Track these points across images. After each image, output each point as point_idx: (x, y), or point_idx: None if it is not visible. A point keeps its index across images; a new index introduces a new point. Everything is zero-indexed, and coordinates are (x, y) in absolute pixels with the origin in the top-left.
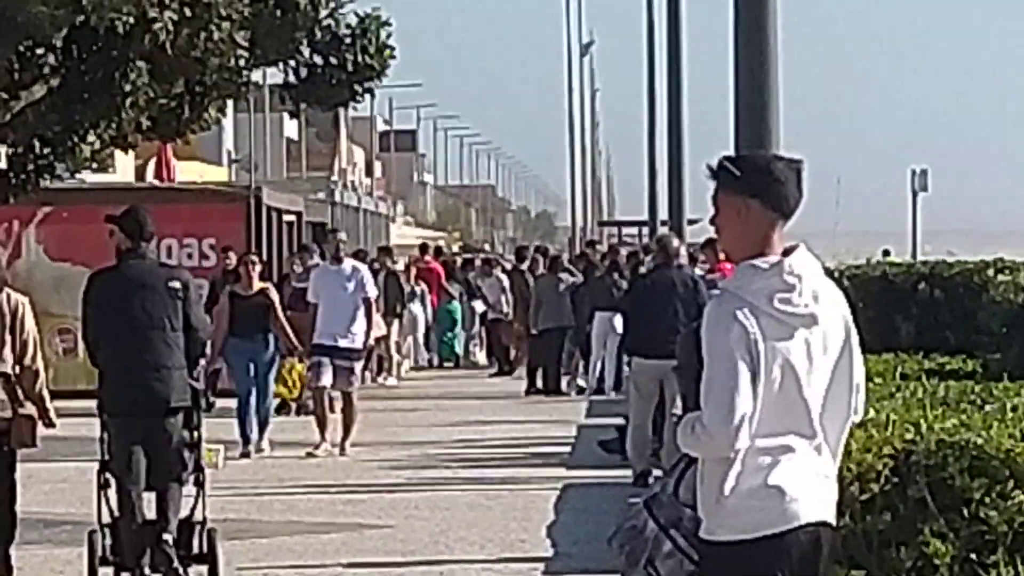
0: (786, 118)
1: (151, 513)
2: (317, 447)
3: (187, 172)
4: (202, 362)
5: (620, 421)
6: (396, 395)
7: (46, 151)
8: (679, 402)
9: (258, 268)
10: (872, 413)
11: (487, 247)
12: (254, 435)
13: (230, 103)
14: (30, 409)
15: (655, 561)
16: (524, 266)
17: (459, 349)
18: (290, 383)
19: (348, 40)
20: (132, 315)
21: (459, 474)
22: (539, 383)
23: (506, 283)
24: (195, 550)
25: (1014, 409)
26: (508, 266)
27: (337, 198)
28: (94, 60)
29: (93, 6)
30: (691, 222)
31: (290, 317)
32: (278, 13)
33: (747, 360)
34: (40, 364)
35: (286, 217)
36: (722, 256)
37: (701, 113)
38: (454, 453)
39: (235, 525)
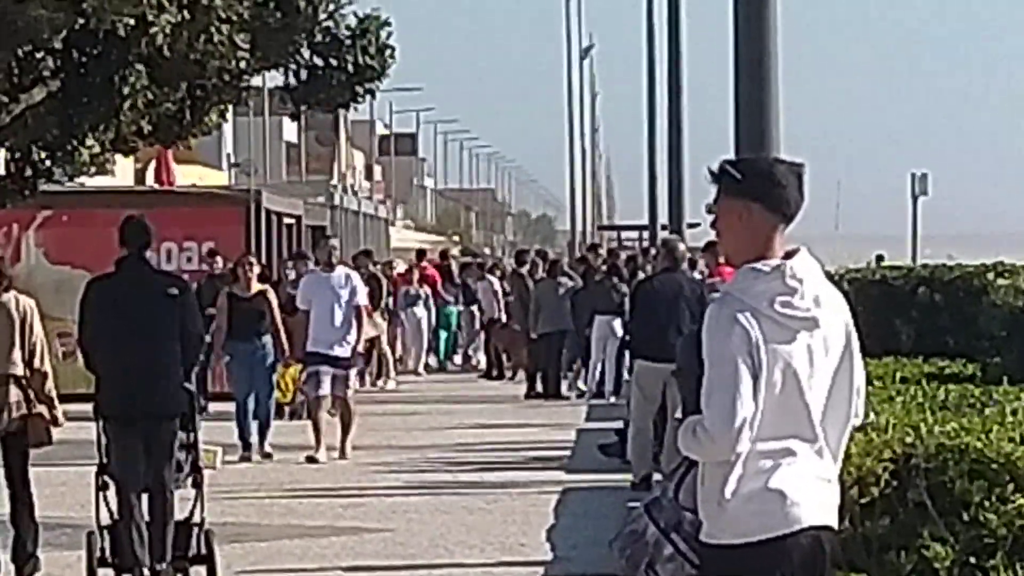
0: (786, 122)
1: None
2: (316, 452)
3: (187, 176)
4: (207, 359)
5: (620, 425)
6: (396, 399)
7: (45, 155)
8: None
9: (256, 270)
10: (872, 417)
11: (487, 251)
12: (254, 439)
13: (230, 107)
14: (41, 409)
15: (656, 565)
16: (524, 270)
17: (442, 353)
18: (283, 387)
19: (348, 41)
20: (129, 321)
21: (459, 478)
22: (539, 387)
23: (498, 287)
24: (193, 551)
25: (1014, 413)
26: (508, 269)
27: (337, 202)
28: (93, 63)
29: (93, 9)
30: (691, 226)
31: (283, 320)
32: (278, 15)
33: (748, 363)
34: (48, 366)
35: (286, 221)
36: (722, 260)
37: (701, 117)
38: (454, 457)
39: (235, 529)
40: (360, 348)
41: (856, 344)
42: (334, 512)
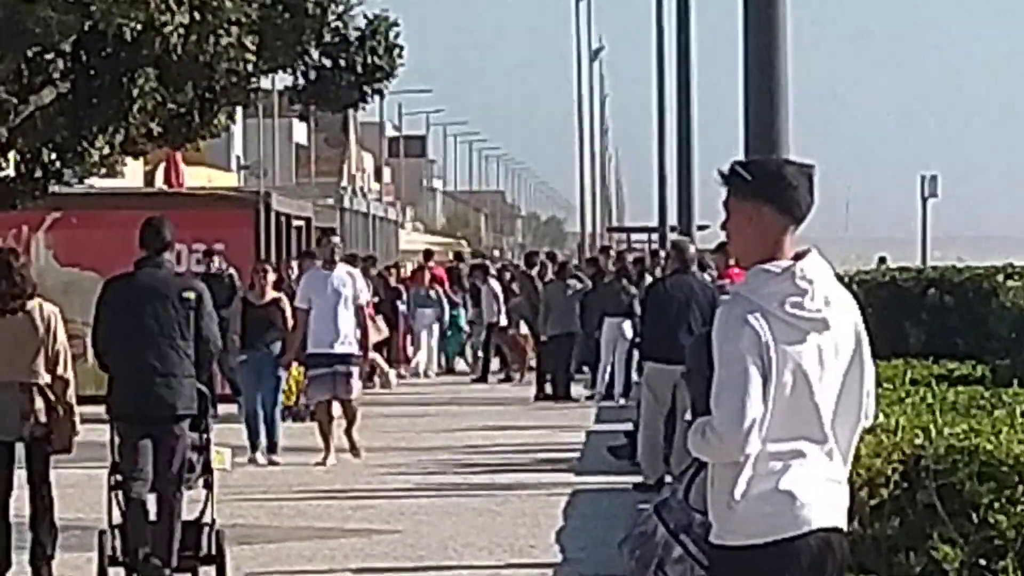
0: (796, 124)
1: (153, 516)
2: (325, 459)
3: (196, 177)
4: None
5: (629, 427)
6: (405, 400)
7: (55, 156)
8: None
9: (272, 277)
10: (882, 418)
11: (496, 253)
12: (261, 442)
13: (239, 109)
14: (63, 416)
15: (665, 566)
16: (533, 272)
17: (450, 355)
18: (287, 389)
19: (357, 42)
20: (144, 322)
21: (468, 480)
22: (548, 389)
23: (499, 290)
24: (203, 551)
25: (1023, 415)
26: (516, 271)
27: (346, 204)
28: (103, 65)
29: (102, 12)
30: (700, 228)
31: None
32: (286, 16)
33: (758, 364)
34: (70, 373)
35: (295, 223)
36: (732, 262)
37: (711, 118)
38: (463, 459)
39: (244, 530)
40: (371, 349)
41: (866, 345)
42: (343, 514)
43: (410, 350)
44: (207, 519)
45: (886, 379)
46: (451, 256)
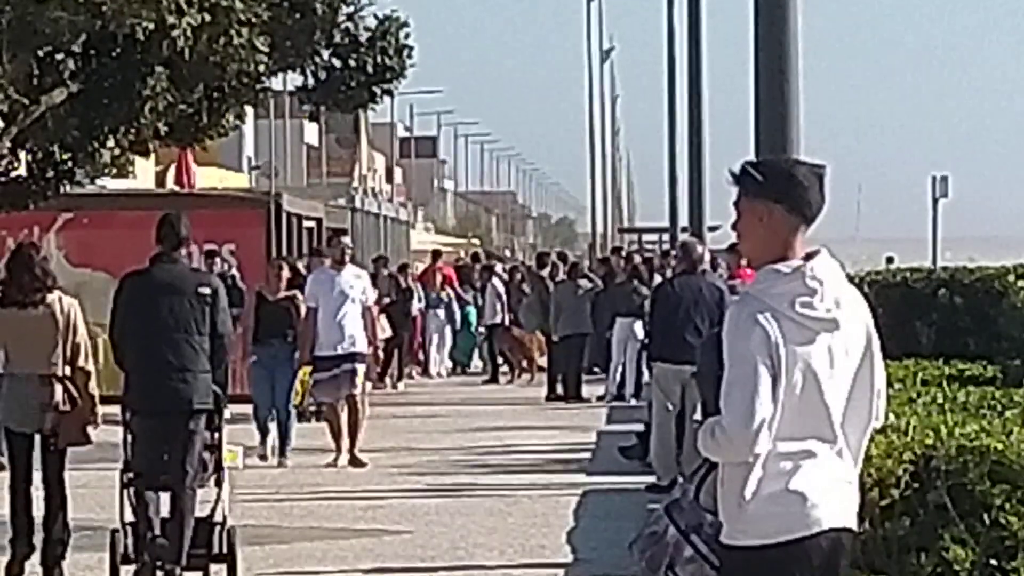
0: (807, 124)
1: (164, 512)
2: (335, 459)
3: (207, 178)
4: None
5: (640, 427)
6: (416, 401)
7: (66, 156)
8: (700, 408)
9: (287, 274)
10: (892, 419)
11: (507, 253)
12: (271, 438)
13: (249, 109)
14: (82, 408)
15: (676, 567)
16: (544, 272)
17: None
18: (296, 388)
19: (367, 42)
20: (160, 318)
21: (479, 480)
22: (559, 389)
23: (502, 290)
24: (215, 549)
25: None
26: (527, 272)
27: (357, 204)
28: (113, 65)
29: (113, 12)
30: (711, 228)
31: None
32: (297, 16)
33: (768, 364)
34: (91, 365)
35: (306, 223)
36: (743, 262)
37: (721, 119)
38: (474, 459)
39: (255, 531)
40: (379, 347)
41: (877, 346)
42: (354, 514)
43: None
44: (218, 517)
45: (897, 379)
46: (466, 256)
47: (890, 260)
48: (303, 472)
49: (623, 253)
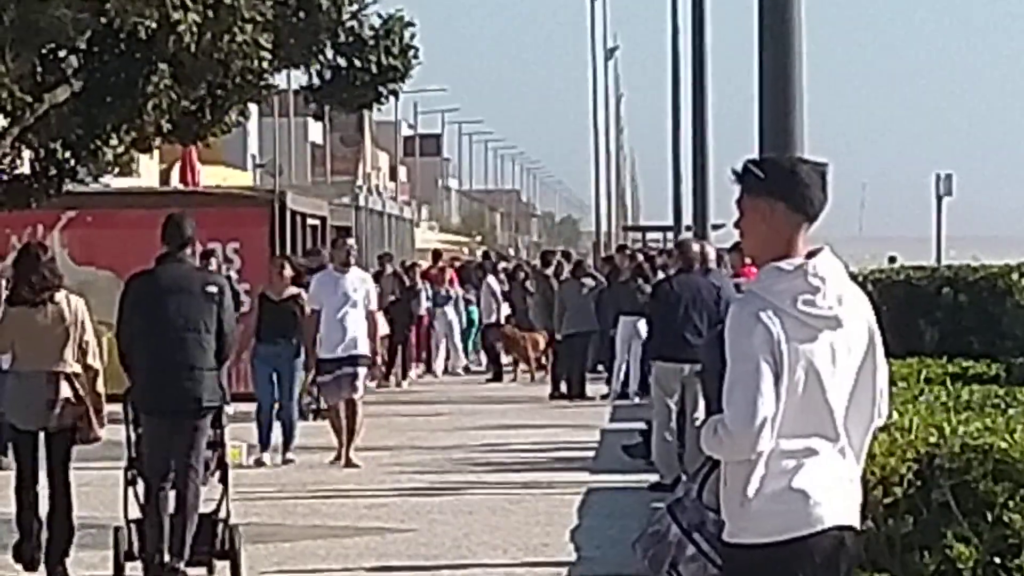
0: (811, 122)
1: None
2: (337, 458)
3: (211, 176)
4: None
5: (644, 426)
6: (419, 399)
7: (69, 154)
8: (701, 406)
9: (288, 273)
10: (896, 417)
11: (511, 252)
12: (273, 442)
13: (253, 107)
14: (90, 406)
15: (678, 565)
16: (549, 271)
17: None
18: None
19: (372, 42)
20: (168, 317)
21: (482, 478)
22: (563, 388)
23: (496, 288)
24: (218, 547)
25: None
26: (531, 270)
27: (361, 202)
28: (117, 63)
29: (116, 10)
30: (715, 227)
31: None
32: (301, 15)
33: (770, 362)
34: (99, 363)
35: (310, 221)
36: (748, 260)
37: (725, 118)
38: (477, 457)
39: (259, 529)
40: (378, 348)
41: (880, 344)
42: (357, 512)
43: (432, 351)
44: (222, 514)
45: (900, 378)
46: (470, 255)
47: (892, 259)
48: (306, 470)
49: (627, 251)
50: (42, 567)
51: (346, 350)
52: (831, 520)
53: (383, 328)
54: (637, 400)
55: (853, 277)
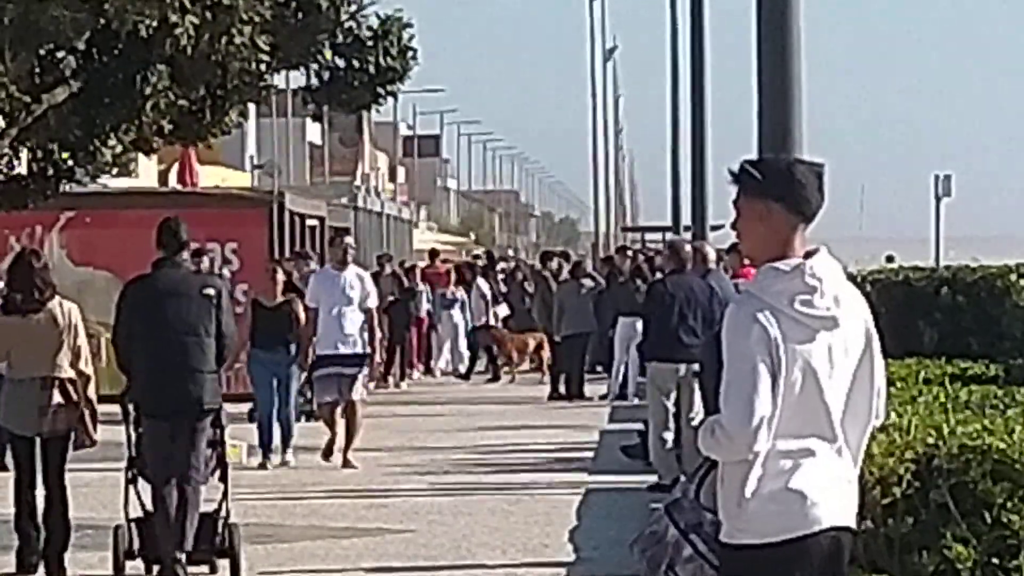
0: (810, 123)
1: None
2: (328, 452)
3: (210, 177)
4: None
5: (642, 427)
6: (419, 400)
7: (68, 155)
8: (697, 406)
9: (281, 278)
10: (894, 417)
11: (510, 252)
12: (275, 446)
13: (252, 107)
14: (83, 412)
15: (676, 566)
16: (548, 272)
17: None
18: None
19: (370, 42)
20: (167, 320)
21: (481, 479)
22: (562, 388)
23: (487, 291)
24: (217, 545)
25: None
26: (531, 271)
27: (360, 203)
28: (115, 64)
29: (115, 10)
30: (714, 228)
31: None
32: (299, 16)
33: (767, 362)
34: (91, 369)
35: (309, 222)
36: (746, 261)
37: (724, 118)
38: (476, 458)
39: (257, 529)
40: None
41: (877, 344)
42: (356, 513)
43: (433, 351)
44: (222, 513)
45: (899, 378)
46: (485, 256)
47: (890, 259)
48: (305, 471)
49: (627, 252)
50: (42, 568)
51: (344, 348)
52: (828, 521)
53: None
54: (636, 401)
55: (851, 278)
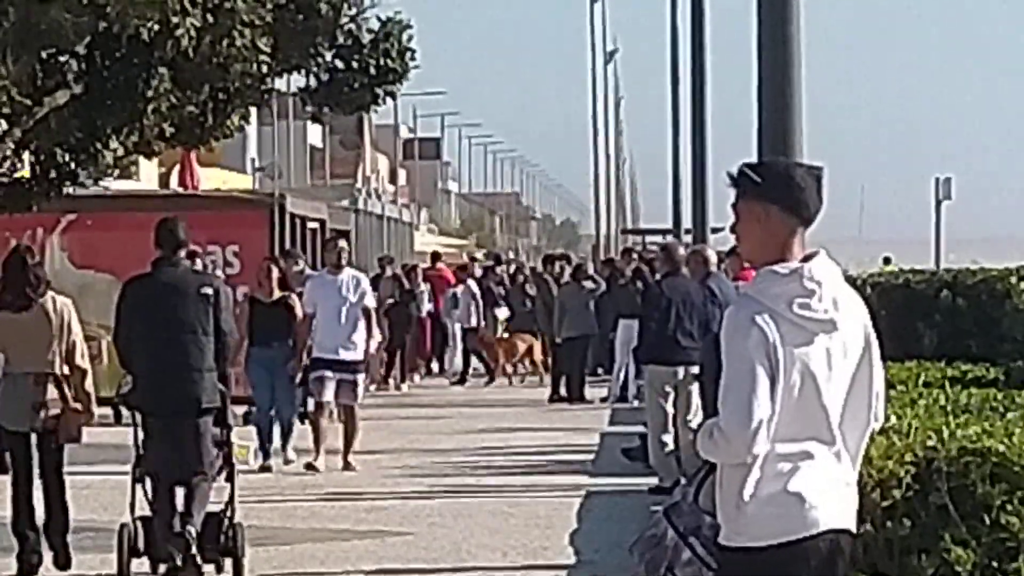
0: (810, 126)
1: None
2: (315, 460)
3: (211, 180)
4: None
5: (643, 429)
6: (419, 402)
7: (69, 158)
8: (695, 409)
9: (276, 275)
10: (894, 420)
11: (511, 254)
12: (274, 447)
13: (253, 110)
14: (77, 406)
15: (675, 569)
16: (550, 274)
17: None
18: None
19: (370, 44)
20: (165, 320)
21: (482, 482)
22: (562, 391)
23: (476, 292)
24: (222, 544)
25: None
26: (532, 274)
27: (361, 206)
28: (116, 67)
29: (117, 13)
30: (715, 230)
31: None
32: (300, 18)
33: (765, 365)
34: (87, 363)
35: (310, 224)
36: (747, 264)
37: (725, 120)
38: (477, 461)
39: (258, 532)
40: (372, 350)
41: (876, 347)
42: (356, 516)
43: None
44: (228, 513)
45: (899, 381)
46: (492, 259)
47: (887, 261)
48: (305, 474)
49: (632, 255)
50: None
51: (344, 354)
52: (827, 523)
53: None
54: (636, 403)
55: (851, 280)
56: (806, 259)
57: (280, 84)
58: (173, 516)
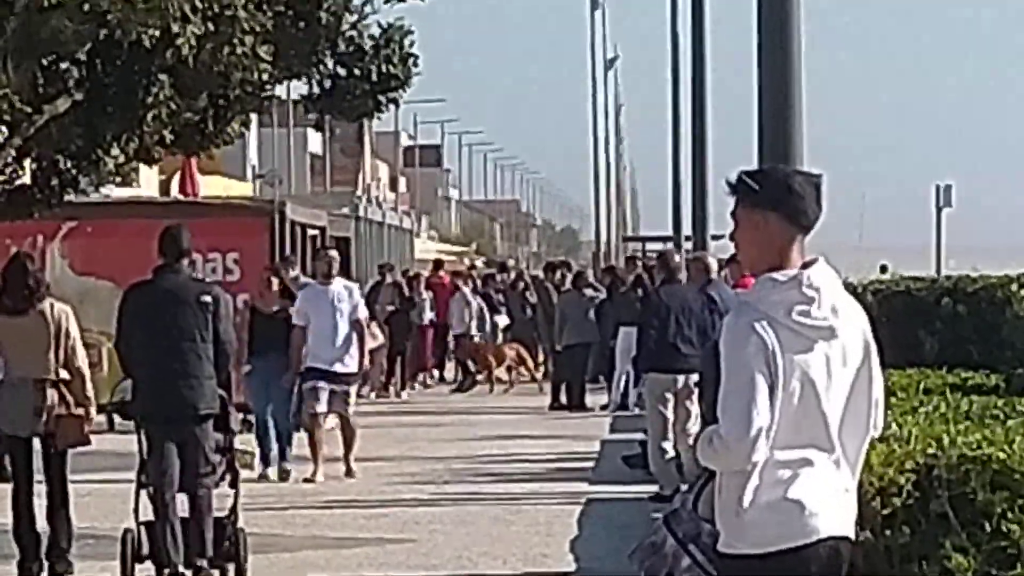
0: (810, 133)
1: (184, 513)
2: (313, 475)
3: (211, 187)
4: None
5: (643, 436)
6: (420, 410)
7: (70, 165)
8: (694, 417)
9: (276, 283)
10: (894, 427)
11: (511, 262)
12: (273, 456)
13: (254, 117)
14: (78, 411)
15: None
16: (551, 282)
17: None
18: None
19: (371, 51)
20: (165, 327)
21: (482, 489)
22: (563, 398)
23: (470, 298)
24: (224, 549)
25: None
26: (534, 281)
27: (361, 213)
28: (117, 74)
29: (118, 21)
30: (715, 237)
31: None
32: (301, 25)
33: (765, 373)
34: (86, 367)
35: (310, 232)
36: (747, 272)
37: (725, 128)
38: (477, 468)
39: (259, 539)
40: (367, 362)
41: (875, 355)
42: (357, 523)
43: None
44: (232, 518)
45: (900, 388)
46: (497, 267)
47: (883, 268)
48: (305, 481)
49: (636, 262)
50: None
51: (338, 367)
52: (826, 530)
53: (378, 338)
54: (637, 411)
55: (851, 287)
56: (805, 266)
57: (281, 91)
58: (172, 524)
